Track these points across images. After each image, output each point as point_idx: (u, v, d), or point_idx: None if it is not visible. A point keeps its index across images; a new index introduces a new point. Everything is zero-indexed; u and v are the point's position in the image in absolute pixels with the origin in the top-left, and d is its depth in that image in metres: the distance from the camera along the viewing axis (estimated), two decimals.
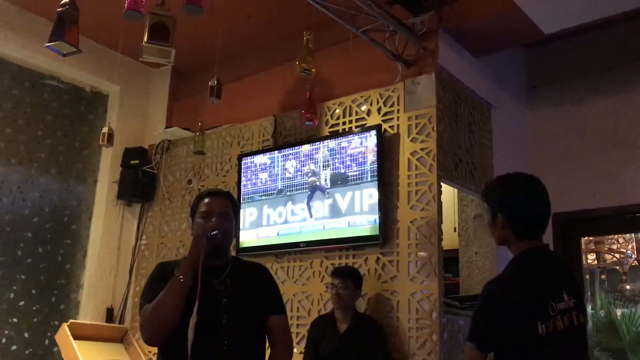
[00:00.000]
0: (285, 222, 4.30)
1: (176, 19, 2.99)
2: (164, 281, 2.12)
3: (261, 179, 4.50)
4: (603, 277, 7.90)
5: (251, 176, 4.56)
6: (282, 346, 2.27)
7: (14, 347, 4.61)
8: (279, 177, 4.40)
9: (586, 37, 4.84)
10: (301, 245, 4.18)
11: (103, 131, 4.07)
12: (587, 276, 5.56)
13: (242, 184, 4.59)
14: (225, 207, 2.28)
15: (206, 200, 2.29)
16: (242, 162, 4.64)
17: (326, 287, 3.88)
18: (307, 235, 4.17)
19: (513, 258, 2.04)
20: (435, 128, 3.85)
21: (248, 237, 4.42)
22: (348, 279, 3.63)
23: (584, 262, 5.35)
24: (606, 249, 7.57)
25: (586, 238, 5.35)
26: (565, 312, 1.93)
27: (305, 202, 4.21)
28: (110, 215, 5.26)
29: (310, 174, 4.22)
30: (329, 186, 4.12)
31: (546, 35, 4.17)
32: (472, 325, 1.95)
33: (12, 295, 4.66)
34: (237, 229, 2.38)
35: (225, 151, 4.98)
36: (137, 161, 5.27)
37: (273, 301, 2.30)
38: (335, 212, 4.05)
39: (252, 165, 4.58)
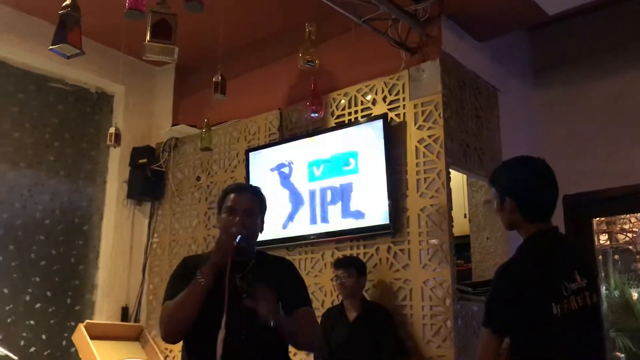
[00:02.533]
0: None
1: (177, 16, 2.98)
2: (186, 277, 2.14)
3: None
4: (616, 257, 7.86)
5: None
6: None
7: (32, 349, 4.65)
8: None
9: (590, 17, 4.80)
10: (312, 237, 4.19)
11: (110, 131, 4.08)
12: (600, 257, 5.53)
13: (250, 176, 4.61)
14: (250, 203, 2.25)
15: (232, 195, 2.26)
16: (250, 155, 4.66)
17: (332, 279, 3.90)
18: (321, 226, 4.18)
19: (523, 241, 2.04)
20: (441, 115, 3.84)
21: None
22: (350, 268, 3.66)
23: (597, 243, 5.33)
24: (618, 229, 7.53)
25: (597, 219, 5.32)
26: (578, 292, 1.93)
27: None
28: (121, 215, 5.28)
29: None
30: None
31: (550, 17, 4.13)
32: (487, 310, 1.95)
33: (28, 298, 4.70)
34: (263, 223, 2.34)
35: (232, 146, 4.99)
36: (145, 160, 5.29)
37: (296, 294, 2.25)
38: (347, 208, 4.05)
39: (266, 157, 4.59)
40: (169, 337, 2.14)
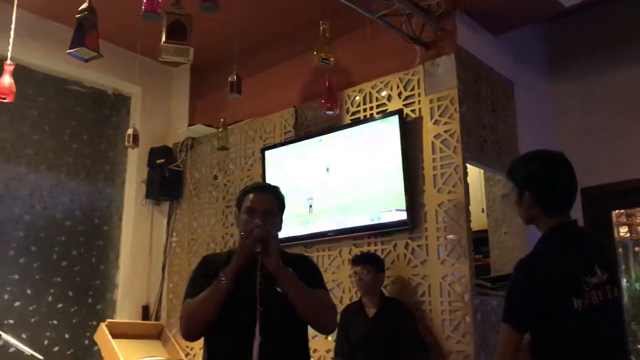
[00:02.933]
0: None
1: (192, 17, 3.00)
2: (206, 276, 2.17)
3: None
4: (637, 249, 7.76)
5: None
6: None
7: (56, 349, 4.73)
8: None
9: (606, 7, 4.74)
10: (329, 234, 4.20)
11: (128, 132, 4.12)
12: (620, 249, 5.46)
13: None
14: (270, 204, 2.25)
15: (251, 195, 2.26)
16: (266, 154, 4.68)
17: (350, 276, 3.91)
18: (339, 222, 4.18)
19: (542, 235, 2.03)
20: (457, 109, 3.82)
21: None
22: (368, 264, 3.66)
23: (616, 236, 5.27)
24: (638, 221, 7.43)
25: (617, 211, 5.27)
26: (599, 287, 1.91)
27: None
28: (140, 215, 5.34)
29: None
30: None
31: (566, 8, 4.10)
32: (506, 305, 1.94)
33: (50, 299, 4.77)
34: (281, 222, 2.34)
35: (249, 145, 5.01)
36: (162, 160, 5.33)
37: (311, 279, 2.22)
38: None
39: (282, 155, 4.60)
40: (189, 335, 2.17)
